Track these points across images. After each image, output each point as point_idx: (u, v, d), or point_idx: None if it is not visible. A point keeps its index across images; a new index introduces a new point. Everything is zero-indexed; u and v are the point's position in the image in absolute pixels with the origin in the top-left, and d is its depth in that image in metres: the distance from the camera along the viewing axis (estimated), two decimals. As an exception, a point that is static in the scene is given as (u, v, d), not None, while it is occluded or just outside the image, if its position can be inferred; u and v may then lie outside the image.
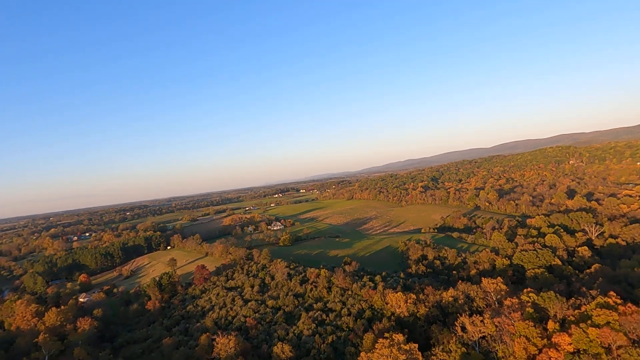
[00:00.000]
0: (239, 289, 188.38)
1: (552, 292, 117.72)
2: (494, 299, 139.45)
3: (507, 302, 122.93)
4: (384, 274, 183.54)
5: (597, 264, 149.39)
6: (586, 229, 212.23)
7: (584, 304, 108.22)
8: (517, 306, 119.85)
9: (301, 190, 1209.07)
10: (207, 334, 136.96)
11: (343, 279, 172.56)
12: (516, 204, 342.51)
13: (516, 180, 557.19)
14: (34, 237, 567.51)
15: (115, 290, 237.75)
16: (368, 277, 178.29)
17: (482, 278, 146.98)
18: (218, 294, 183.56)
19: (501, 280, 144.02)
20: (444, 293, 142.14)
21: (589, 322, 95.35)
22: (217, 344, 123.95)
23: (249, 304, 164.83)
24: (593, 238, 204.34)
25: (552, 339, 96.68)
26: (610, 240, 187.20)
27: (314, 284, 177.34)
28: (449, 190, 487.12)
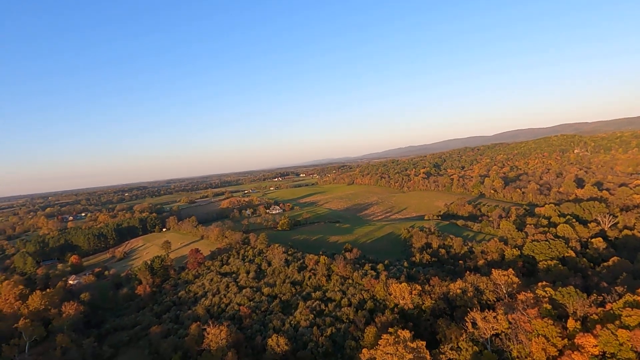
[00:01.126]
0: (233, 275, 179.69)
1: (571, 287, 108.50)
2: (505, 292, 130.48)
3: (520, 297, 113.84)
4: (386, 262, 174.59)
5: (615, 257, 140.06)
6: (599, 219, 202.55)
7: (609, 302, 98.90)
8: (532, 301, 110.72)
9: (301, 175, 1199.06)
10: (198, 323, 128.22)
11: (343, 266, 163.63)
12: (523, 192, 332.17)
13: (520, 169, 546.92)
14: (30, 217, 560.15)
15: (106, 272, 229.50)
16: (370, 265, 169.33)
17: (492, 269, 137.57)
18: (212, 280, 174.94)
19: (512, 272, 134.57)
20: (452, 284, 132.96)
21: (617, 322, 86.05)
22: (208, 334, 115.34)
23: (244, 291, 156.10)
24: (606, 229, 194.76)
25: (575, 340, 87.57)
26: (626, 231, 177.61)
27: (312, 271, 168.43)
28: (452, 177, 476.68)
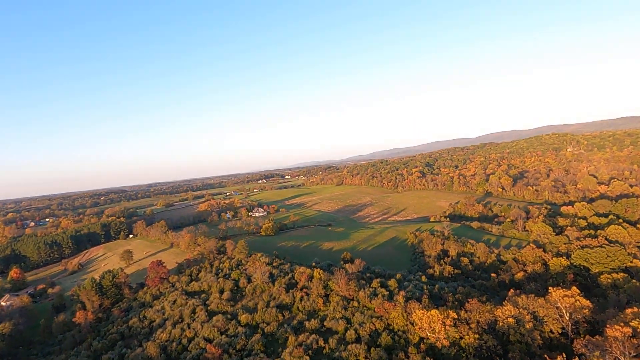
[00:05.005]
0: (203, 295, 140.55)
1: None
2: (568, 319, 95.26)
3: (611, 332, 78.10)
4: (398, 276, 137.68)
5: None
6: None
7: None
8: (634, 341, 75.39)
9: (286, 177, 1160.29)
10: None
11: (345, 283, 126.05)
12: (536, 190, 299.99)
13: (518, 167, 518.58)
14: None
15: (50, 290, 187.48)
16: (378, 280, 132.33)
17: (550, 288, 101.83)
18: (174, 302, 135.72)
19: (577, 291, 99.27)
20: (498, 310, 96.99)
21: None
22: (155, 394, 76.68)
23: (215, 318, 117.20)
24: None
25: None
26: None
27: (305, 290, 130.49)
28: (451, 175, 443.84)
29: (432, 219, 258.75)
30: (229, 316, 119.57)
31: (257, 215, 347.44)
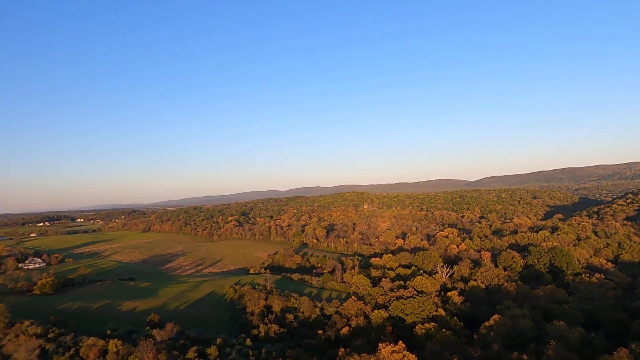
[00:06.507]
0: None
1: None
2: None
3: (444, 390, 77.66)
4: (219, 341, 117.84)
5: (496, 315, 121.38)
6: (437, 270, 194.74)
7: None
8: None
9: (78, 220, 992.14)
10: None
11: (154, 357, 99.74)
12: (347, 242, 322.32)
13: (327, 220, 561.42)
14: None
15: None
16: (195, 349, 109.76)
17: (380, 344, 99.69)
18: None
19: (404, 345, 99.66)
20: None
21: None
22: None
23: None
24: (445, 280, 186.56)
25: None
26: (473, 283, 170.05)
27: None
28: (268, 225, 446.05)
29: (251, 271, 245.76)
30: None
31: (31, 267, 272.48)
